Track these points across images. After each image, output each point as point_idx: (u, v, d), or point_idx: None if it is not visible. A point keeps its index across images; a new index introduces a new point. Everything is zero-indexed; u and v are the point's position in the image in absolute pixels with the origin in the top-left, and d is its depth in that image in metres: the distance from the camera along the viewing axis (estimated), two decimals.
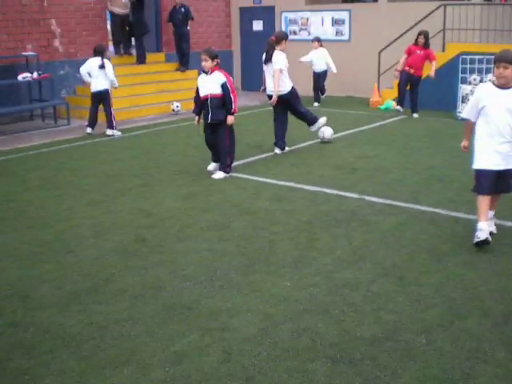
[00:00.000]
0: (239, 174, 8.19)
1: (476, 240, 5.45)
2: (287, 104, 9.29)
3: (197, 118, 8.28)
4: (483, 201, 5.51)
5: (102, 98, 11.25)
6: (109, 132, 11.27)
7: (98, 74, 11.16)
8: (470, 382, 3.54)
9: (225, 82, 7.92)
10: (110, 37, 15.35)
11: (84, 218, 6.47)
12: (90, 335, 4.08)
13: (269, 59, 9.01)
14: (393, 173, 8.19)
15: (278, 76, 9.00)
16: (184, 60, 15.42)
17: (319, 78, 14.63)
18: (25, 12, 13.18)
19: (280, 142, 9.40)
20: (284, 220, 6.34)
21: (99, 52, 11.26)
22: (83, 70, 11.40)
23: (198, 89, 8.19)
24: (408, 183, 7.65)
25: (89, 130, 11.41)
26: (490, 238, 5.43)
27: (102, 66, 11.12)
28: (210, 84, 7.98)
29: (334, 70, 14.30)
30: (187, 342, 3.98)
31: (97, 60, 11.16)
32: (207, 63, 7.96)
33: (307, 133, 10.18)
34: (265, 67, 9.19)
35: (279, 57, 9.00)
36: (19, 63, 13.06)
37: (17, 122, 12.98)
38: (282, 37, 9.15)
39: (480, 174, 5.58)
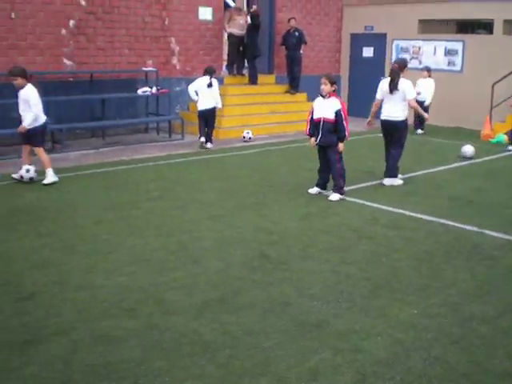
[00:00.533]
0: (353, 198, 8.23)
1: None
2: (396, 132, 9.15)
3: (312, 139, 8.41)
4: None
5: (208, 116, 11.84)
6: (209, 145, 11.99)
7: (205, 92, 11.66)
8: None
9: (339, 110, 8.09)
10: (225, 57, 15.76)
11: (206, 231, 6.67)
12: (224, 344, 4.21)
13: (395, 87, 8.97)
14: (510, 208, 7.99)
15: (416, 105, 9.20)
16: (294, 83, 15.65)
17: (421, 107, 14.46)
18: (146, 29, 13.79)
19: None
20: (404, 248, 6.31)
21: (209, 72, 11.93)
22: (191, 88, 12.12)
23: (312, 110, 8.36)
24: None
25: (202, 138, 12.04)
26: None
27: (210, 85, 11.74)
28: (326, 108, 8.16)
29: (427, 102, 14.33)
30: (320, 360, 4.04)
31: (206, 79, 11.68)
32: (326, 87, 8.12)
33: (420, 161, 10.09)
34: (388, 95, 9.09)
35: (409, 85, 8.99)
36: (139, 78, 13.66)
37: (133, 133, 13.55)
38: (405, 64, 9.17)
39: None
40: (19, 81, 8.60)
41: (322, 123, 8.17)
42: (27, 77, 8.81)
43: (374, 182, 9.26)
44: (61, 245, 6.17)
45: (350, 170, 8.82)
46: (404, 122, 9.08)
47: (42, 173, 8.81)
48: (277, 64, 16.51)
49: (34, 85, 9.68)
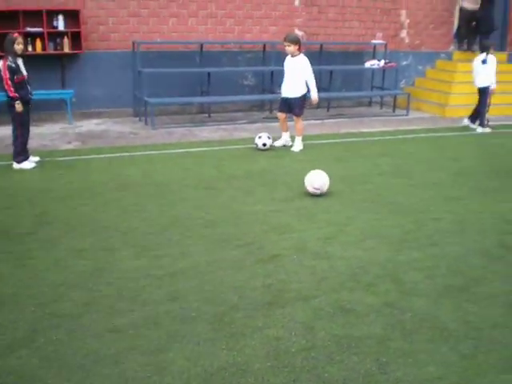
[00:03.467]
0: None
1: None
2: None
3: None
4: None
5: (480, 94, 11.26)
6: (479, 129, 11.28)
7: (480, 69, 11.17)
8: None
9: None
10: (454, 31, 15.04)
11: (443, 212, 6.48)
12: (467, 334, 4.06)
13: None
14: None
15: None
16: None
17: None
18: (377, 0, 13.59)
19: None
20: None
21: (485, 48, 11.34)
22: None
23: None
24: None
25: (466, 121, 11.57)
26: None
27: (484, 62, 11.12)
28: None
29: None
30: None
31: (481, 56, 11.21)
32: None
33: None
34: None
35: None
36: (367, 50, 13.56)
37: (356, 106, 13.54)
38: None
39: None
40: (291, 48, 8.93)
41: None
42: (300, 46, 9.11)
43: None
44: (296, 212, 6.36)
45: None
46: None
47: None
48: (511, 40, 15.44)
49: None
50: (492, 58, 11.16)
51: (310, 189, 6.87)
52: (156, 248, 5.33)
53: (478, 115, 11.34)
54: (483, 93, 11.20)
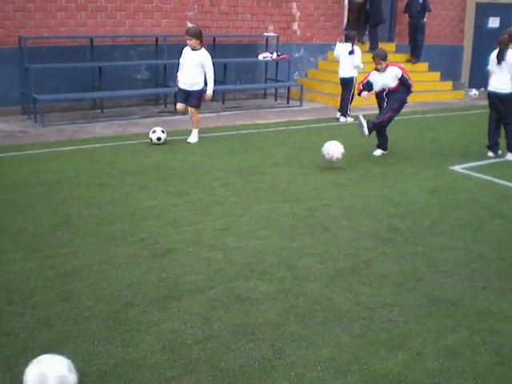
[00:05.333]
0: (480, 174, 7.95)
1: None
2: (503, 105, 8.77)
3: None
4: None
5: (345, 84, 11.50)
6: (342, 119, 11.46)
7: (346, 60, 11.36)
8: None
9: (402, 75, 8.52)
10: (344, 23, 15.44)
11: (334, 199, 6.67)
12: (359, 314, 4.21)
13: (502, 58, 8.55)
14: None
15: None
16: (416, 52, 15.22)
17: None
18: None
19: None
20: None
21: (350, 38, 11.53)
22: (334, 53, 11.82)
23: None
24: None
25: (339, 116, 11.70)
26: None
27: (351, 52, 11.36)
28: (386, 79, 8.55)
29: None
30: (457, 338, 3.96)
31: (347, 46, 11.38)
32: (382, 65, 8.51)
33: None
34: (495, 67, 8.70)
35: None
36: (259, 43, 13.70)
37: (251, 98, 13.66)
38: None
39: None
40: (193, 42, 8.85)
41: (385, 93, 8.56)
42: (202, 40, 9.05)
43: (501, 159, 8.89)
44: (191, 205, 6.35)
45: (474, 144, 9.08)
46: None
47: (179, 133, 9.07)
48: (398, 32, 16.08)
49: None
50: (358, 49, 11.50)
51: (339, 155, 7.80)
52: (47, 249, 5.17)
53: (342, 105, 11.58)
54: (348, 83, 11.46)
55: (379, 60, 8.46)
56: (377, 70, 8.56)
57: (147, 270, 4.79)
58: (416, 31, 15.06)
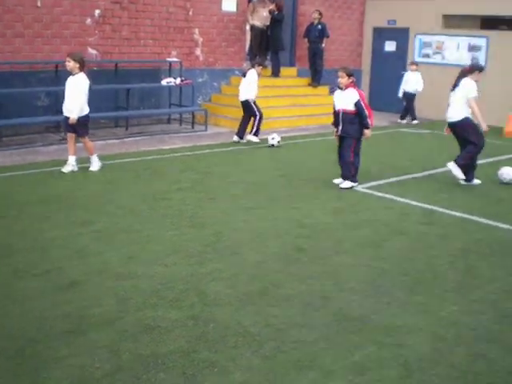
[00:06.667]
0: (383, 193, 8.24)
1: None
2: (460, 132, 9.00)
3: (336, 129, 8.60)
4: None
5: (242, 108, 11.71)
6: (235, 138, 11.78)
7: (244, 84, 11.67)
8: None
9: (358, 101, 8.26)
10: (247, 49, 15.68)
11: (241, 223, 6.70)
12: (269, 336, 4.24)
13: (456, 85, 8.90)
14: None
15: (474, 104, 8.77)
16: (317, 76, 15.62)
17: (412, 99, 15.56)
18: (170, 19, 13.80)
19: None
20: (438, 243, 6.32)
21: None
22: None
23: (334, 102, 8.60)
24: None
25: (238, 137, 11.85)
26: None
27: (244, 75, 11.71)
28: (344, 100, 8.34)
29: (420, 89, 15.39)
30: (365, 354, 4.06)
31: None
32: (343, 80, 8.34)
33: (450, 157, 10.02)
34: (451, 96, 9.00)
35: (469, 84, 8.81)
36: (163, 68, 13.67)
37: (156, 124, 13.57)
38: (477, 68, 9.05)
39: None
40: (72, 64, 8.63)
41: (341, 114, 8.37)
42: (83, 65, 8.82)
43: (401, 178, 9.25)
44: (96, 234, 6.21)
45: (375, 163, 9.32)
46: (463, 121, 8.87)
47: (84, 160, 8.99)
48: (299, 56, 16.48)
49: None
50: (252, 73, 11.73)
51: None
52: None
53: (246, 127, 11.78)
54: (248, 105, 11.70)
55: (342, 73, 8.31)
56: (340, 88, 8.47)
57: (52, 304, 4.63)
58: (315, 56, 15.48)
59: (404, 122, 15.61)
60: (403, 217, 7.21)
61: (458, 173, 8.84)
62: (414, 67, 15.40)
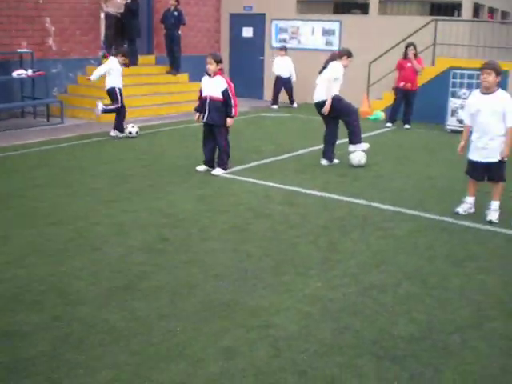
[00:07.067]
0: (245, 177, 8.32)
1: (456, 210, 6.91)
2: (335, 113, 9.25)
3: (197, 114, 8.66)
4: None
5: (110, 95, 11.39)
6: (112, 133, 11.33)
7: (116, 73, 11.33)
8: (508, 376, 3.75)
9: (226, 89, 8.28)
10: (102, 37, 15.20)
11: (102, 217, 6.51)
12: (136, 331, 4.16)
13: (324, 67, 9.17)
14: (394, 181, 8.39)
15: (329, 83, 9.04)
16: (175, 64, 15.45)
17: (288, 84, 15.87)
18: (20, 9, 13.09)
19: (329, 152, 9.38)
20: (301, 223, 6.48)
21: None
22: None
23: (201, 88, 8.56)
24: (411, 192, 7.86)
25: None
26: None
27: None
28: (212, 87, 8.31)
29: (294, 78, 15.75)
30: (234, 338, 4.08)
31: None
32: (211, 66, 8.25)
33: (306, 139, 10.34)
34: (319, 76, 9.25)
35: (335, 66, 9.09)
36: (13, 60, 12.97)
37: (8, 118, 12.87)
38: (345, 53, 9.29)
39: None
40: None
41: (208, 101, 8.33)
42: None
43: (263, 161, 9.39)
44: None
45: (237, 149, 9.22)
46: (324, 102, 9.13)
47: None
48: (157, 44, 16.23)
49: None
50: (112, 61, 11.43)
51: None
52: None
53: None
54: (112, 94, 11.38)
55: (211, 59, 8.21)
56: (208, 74, 8.35)
57: None
58: (172, 43, 15.29)
59: (276, 107, 15.82)
60: (266, 199, 7.33)
61: (363, 145, 9.40)
62: (283, 52, 15.60)
